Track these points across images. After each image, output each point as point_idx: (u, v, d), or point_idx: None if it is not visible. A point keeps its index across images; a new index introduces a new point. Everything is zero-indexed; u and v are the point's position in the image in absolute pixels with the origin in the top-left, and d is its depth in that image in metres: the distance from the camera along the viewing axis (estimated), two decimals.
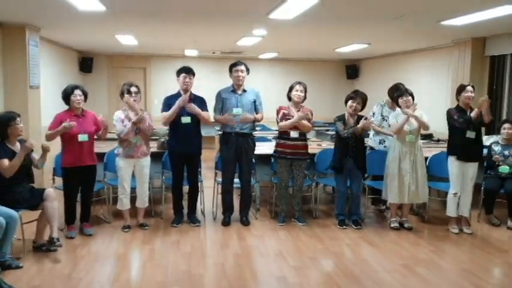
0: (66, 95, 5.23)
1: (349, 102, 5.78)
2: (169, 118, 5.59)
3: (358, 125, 5.65)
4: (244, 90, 5.84)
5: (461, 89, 5.66)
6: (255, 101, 5.86)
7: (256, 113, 5.87)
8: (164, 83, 11.77)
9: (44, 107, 7.87)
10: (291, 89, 5.87)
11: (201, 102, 5.71)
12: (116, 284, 4.17)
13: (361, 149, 5.91)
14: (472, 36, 7.94)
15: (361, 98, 5.79)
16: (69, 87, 5.28)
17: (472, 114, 5.48)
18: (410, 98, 5.68)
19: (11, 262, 4.39)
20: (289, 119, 5.74)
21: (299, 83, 5.85)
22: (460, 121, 5.55)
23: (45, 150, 4.89)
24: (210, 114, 5.76)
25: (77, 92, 5.22)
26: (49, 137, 5.15)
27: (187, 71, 5.69)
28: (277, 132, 6.04)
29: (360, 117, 5.79)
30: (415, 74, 10.31)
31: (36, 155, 4.98)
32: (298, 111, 5.79)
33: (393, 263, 4.76)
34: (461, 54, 8.32)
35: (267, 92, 10.33)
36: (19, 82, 7.17)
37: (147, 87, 12.76)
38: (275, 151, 5.94)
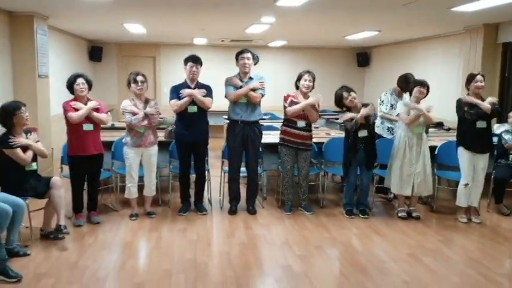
0: (70, 84, 5.23)
1: (345, 96, 5.71)
2: (181, 107, 5.57)
3: (360, 113, 5.59)
4: (251, 78, 5.79)
5: (471, 78, 5.57)
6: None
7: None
8: (173, 72, 11.71)
9: (53, 96, 7.91)
10: (299, 77, 5.81)
11: (207, 90, 5.68)
12: (121, 271, 4.19)
13: (370, 141, 5.83)
14: (484, 22, 7.79)
15: (350, 89, 5.75)
16: (72, 76, 5.28)
17: (485, 104, 5.39)
18: (425, 90, 5.63)
19: (18, 249, 4.43)
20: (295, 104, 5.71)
21: (308, 72, 5.79)
22: (471, 112, 5.47)
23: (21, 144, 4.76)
24: (211, 101, 5.70)
25: (80, 80, 5.21)
26: (78, 118, 5.12)
27: (195, 60, 5.66)
28: (283, 120, 5.99)
29: (363, 106, 5.73)
30: (426, 62, 10.19)
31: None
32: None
33: (400, 252, 4.73)
34: (472, 41, 8.18)
35: (277, 81, 10.31)
36: (27, 71, 7.18)
37: (157, 75, 12.77)
38: (281, 138, 5.91)
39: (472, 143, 5.53)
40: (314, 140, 6.07)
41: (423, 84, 5.66)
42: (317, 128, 8.30)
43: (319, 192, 6.51)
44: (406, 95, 5.99)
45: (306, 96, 5.78)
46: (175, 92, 5.63)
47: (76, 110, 5.15)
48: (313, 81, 5.77)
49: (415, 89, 5.65)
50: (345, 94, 5.72)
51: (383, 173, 6.16)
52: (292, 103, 5.73)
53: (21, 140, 4.71)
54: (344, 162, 5.89)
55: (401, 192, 5.75)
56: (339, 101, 5.79)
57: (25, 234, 4.82)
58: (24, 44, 7.12)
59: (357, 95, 5.77)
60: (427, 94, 5.68)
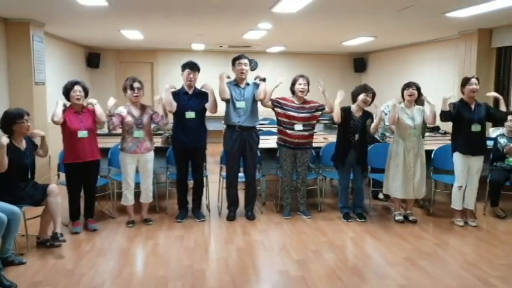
0: (66, 91, 5.24)
1: (361, 96, 5.71)
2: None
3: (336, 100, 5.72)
4: (248, 84, 5.81)
5: (465, 81, 5.58)
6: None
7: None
8: (171, 78, 11.69)
9: (50, 103, 7.88)
10: (294, 82, 5.84)
11: (204, 97, 5.70)
12: (118, 279, 4.18)
13: (363, 144, 5.86)
14: (479, 27, 7.84)
15: (372, 94, 5.74)
16: (69, 83, 5.28)
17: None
18: (415, 91, 5.63)
19: (13, 258, 4.41)
20: (282, 106, 5.80)
21: (302, 76, 5.83)
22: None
23: (37, 136, 4.90)
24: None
25: (77, 87, 5.22)
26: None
27: (192, 67, 5.66)
28: (278, 123, 5.97)
29: (365, 112, 5.77)
30: (422, 67, 10.23)
31: (40, 150, 5.02)
32: (302, 103, 5.82)
33: (396, 256, 4.74)
34: (467, 46, 8.23)
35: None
36: (24, 78, 7.18)
37: (154, 81, 12.78)
38: (278, 138, 5.94)
39: (466, 146, 5.54)
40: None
41: (408, 86, 5.66)
42: (315, 132, 8.30)
43: (317, 196, 6.51)
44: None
45: (301, 100, 5.81)
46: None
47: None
48: (308, 84, 5.80)
49: (404, 93, 5.67)
50: (362, 96, 5.71)
51: (379, 176, 6.16)
52: (281, 104, 5.80)
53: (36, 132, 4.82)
54: (332, 159, 5.95)
55: (402, 197, 5.76)
56: (355, 95, 5.80)
57: (21, 242, 4.82)
58: (20, 51, 7.11)
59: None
60: (419, 94, 5.68)
